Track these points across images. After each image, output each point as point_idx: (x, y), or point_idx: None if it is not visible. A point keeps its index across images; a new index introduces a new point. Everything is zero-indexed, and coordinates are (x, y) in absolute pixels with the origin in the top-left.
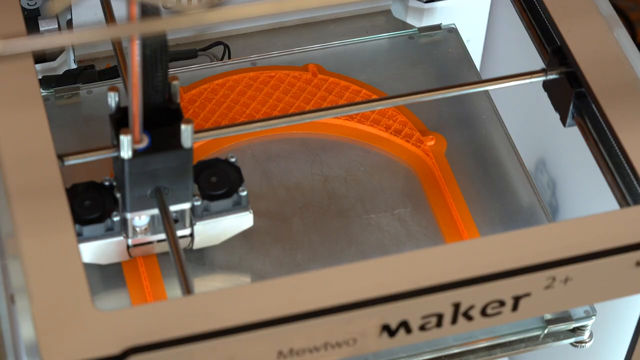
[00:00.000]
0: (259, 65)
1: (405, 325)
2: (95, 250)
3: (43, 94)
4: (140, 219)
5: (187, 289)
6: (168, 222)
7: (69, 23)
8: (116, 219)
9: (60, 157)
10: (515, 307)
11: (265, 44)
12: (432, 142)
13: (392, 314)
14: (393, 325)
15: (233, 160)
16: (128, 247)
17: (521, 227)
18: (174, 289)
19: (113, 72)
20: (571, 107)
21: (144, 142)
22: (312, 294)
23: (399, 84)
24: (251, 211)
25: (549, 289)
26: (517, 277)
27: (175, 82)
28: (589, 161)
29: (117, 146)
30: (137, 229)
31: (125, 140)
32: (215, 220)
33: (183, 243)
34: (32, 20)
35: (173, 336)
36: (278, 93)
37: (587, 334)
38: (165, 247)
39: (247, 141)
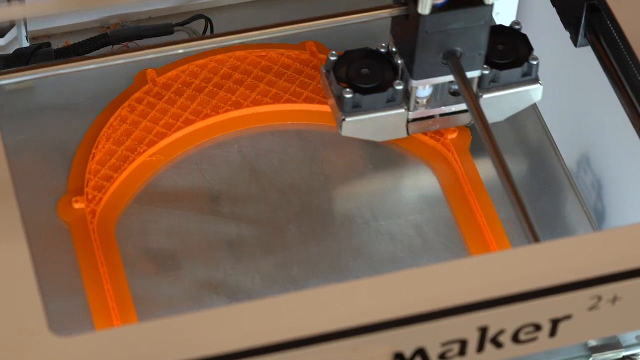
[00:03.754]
0: (248, 43)
1: (421, 354)
2: (374, 123)
3: None
4: (424, 89)
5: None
6: (468, 91)
7: None
8: (399, 87)
9: None
10: (553, 332)
11: (255, 18)
12: (453, 135)
13: (406, 340)
14: (407, 353)
15: (518, 27)
16: (407, 121)
17: (560, 236)
18: (145, 310)
19: (72, 51)
20: (583, 23)
21: None
22: (310, 316)
23: None
24: (541, 83)
25: (594, 310)
26: (555, 296)
27: None
28: None
29: (403, 3)
30: (418, 101)
31: None
32: (503, 92)
33: (463, 119)
34: None
35: None
36: (270, 76)
37: None
38: (446, 122)
39: (232, 134)
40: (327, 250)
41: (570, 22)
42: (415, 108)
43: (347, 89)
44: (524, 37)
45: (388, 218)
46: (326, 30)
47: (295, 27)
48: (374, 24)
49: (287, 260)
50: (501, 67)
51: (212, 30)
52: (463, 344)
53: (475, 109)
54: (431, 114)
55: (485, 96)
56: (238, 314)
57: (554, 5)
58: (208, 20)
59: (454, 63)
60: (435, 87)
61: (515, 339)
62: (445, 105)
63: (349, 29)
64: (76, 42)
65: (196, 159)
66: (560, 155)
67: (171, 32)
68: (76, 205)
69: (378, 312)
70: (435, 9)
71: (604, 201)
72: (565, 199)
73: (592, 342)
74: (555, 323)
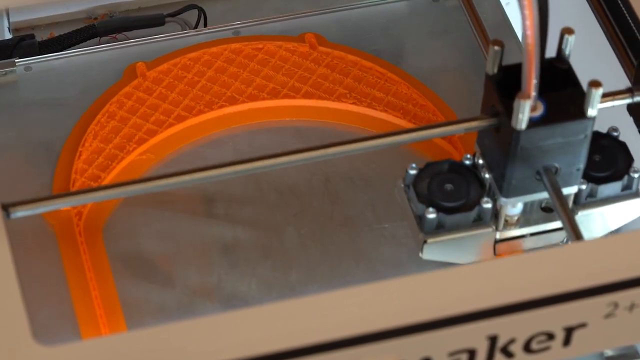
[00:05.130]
0: (243, 35)
1: None
2: (458, 245)
3: None
4: (514, 207)
5: None
6: (564, 208)
7: None
8: (487, 206)
9: (5, 208)
10: (567, 341)
11: (251, 8)
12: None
13: (411, 350)
14: None
15: (616, 134)
16: (495, 241)
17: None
18: (135, 318)
19: (57, 43)
20: None
21: (539, 110)
22: (309, 323)
23: (419, 59)
24: None
25: (610, 317)
26: (569, 303)
27: (569, 36)
28: None
29: (495, 115)
30: (507, 220)
31: (523, 106)
32: (602, 208)
33: (556, 237)
34: None
35: None
36: (267, 70)
37: None
38: (538, 241)
39: (227, 131)
40: (327, 255)
41: None
42: (504, 227)
43: (430, 209)
44: (623, 146)
45: (392, 221)
46: (326, 22)
47: (293, 18)
48: (375, 16)
49: (285, 265)
50: (599, 180)
51: (205, 22)
52: (472, 353)
53: (572, 227)
54: (521, 233)
55: (581, 213)
56: (233, 321)
57: (631, 115)
58: (201, 10)
59: (549, 179)
60: (526, 204)
61: (527, 348)
62: (536, 223)
63: (349, 20)
64: (61, 33)
65: (189, 158)
66: None
67: (162, 23)
68: (62, 208)
69: (382, 320)
70: (531, 122)
71: None
72: None
73: (608, 352)
74: (569, 332)
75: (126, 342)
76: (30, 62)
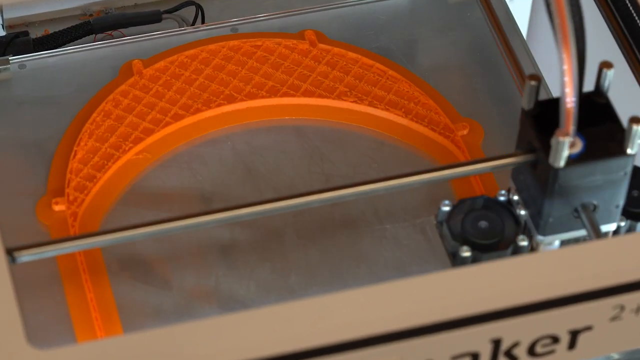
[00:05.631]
0: (241, 32)
1: None
2: None
3: None
4: (551, 245)
5: None
6: None
7: None
8: (523, 244)
9: (10, 253)
10: (572, 345)
11: (249, 5)
12: (465, 131)
13: (413, 353)
14: None
15: None
16: None
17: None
18: (131, 321)
19: (52, 40)
20: None
21: (578, 147)
22: (309, 327)
23: (422, 57)
24: None
25: (616, 320)
26: (574, 306)
27: (608, 70)
28: None
29: (531, 151)
30: None
31: (562, 145)
32: None
33: None
34: None
35: None
36: (266, 68)
37: None
38: None
39: (225, 130)
40: (327, 256)
41: None
42: None
43: (465, 247)
44: None
45: (394, 221)
46: (326, 18)
47: (293, 14)
48: (377, 13)
49: (284, 267)
50: (638, 217)
51: (203, 18)
52: (475, 357)
53: None
54: None
55: None
56: (231, 325)
57: None
58: (199, 7)
59: (587, 217)
60: (562, 242)
61: (531, 352)
62: None
63: (350, 17)
64: (56, 30)
65: (186, 157)
66: None
67: (159, 20)
68: (56, 207)
69: (383, 322)
70: (570, 160)
71: None
72: None
73: (615, 356)
74: (574, 335)
75: (122, 346)
76: (24, 59)
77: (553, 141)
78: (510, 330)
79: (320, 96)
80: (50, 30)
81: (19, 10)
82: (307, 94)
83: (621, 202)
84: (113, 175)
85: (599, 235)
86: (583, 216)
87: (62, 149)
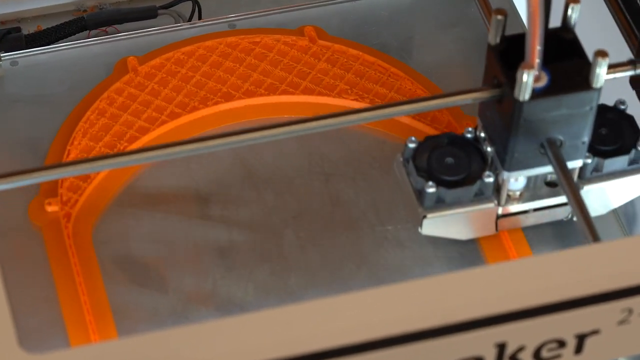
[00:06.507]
0: (239, 28)
1: None
2: (459, 220)
3: None
4: (517, 181)
5: None
6: (569, 183)
7: None
8: (488, 180)
9: None
10: (579, 349)
11: (248, 0)
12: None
13: (415, 357)
14: None
15: (623, 107)
16: (497, 217)
17: (586, 242)
18: (125, 325)
19: (45, 36)
20: None
21: (543, 81)
22: (309, 330)
23: (423, 53)
24: None
25: (624, 324)
26: (581, 309)
27: (575, 4)
28: None
29: (497, 87)
30: (510, 194)
31: (526, 77)
32: (607, 183)
33: (560, 213)
34: None
35: None
36: (264, 65)
37: None
38: (541, 217)
39: (223, 128)
40: (327, 258)
41: None
42: (507, 202)
43: (430, 183)
44: (630, 119)
45: (395, 223)
46: (326, 14)
47: (292, 10)
48: (378, 9)
49: (283, 269)
50: (605, 154)
51: (200, 14)
52: None
53: (577, 202)
54: (524, 208)
55: (586, 187)
56: (229, 328)
57: (634, 89)
58: (196, 2)
59: (553, 153)
60: (529, 178)
61: (537, 356)
62: (540, 198)
63: (351, 12)
64: (49, 27)
65: (183, 157)
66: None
67: (155, 16)
68: (49, 208)
69: (385, 326)
70: (535, 93)
71: (635, 204)
72: None
73: None
74: (581, 339)
75: (117, 350)
76: (16, 56)
77: (518, 74)
78: (515, 334)
79: (320, 94)
80: (43, 27)
81: (11, 6)
82: (307, 91)
83: (587, 138)
84: (107, 175)
85: (564, 171)
86: (549, 152)
87: (55, 148)
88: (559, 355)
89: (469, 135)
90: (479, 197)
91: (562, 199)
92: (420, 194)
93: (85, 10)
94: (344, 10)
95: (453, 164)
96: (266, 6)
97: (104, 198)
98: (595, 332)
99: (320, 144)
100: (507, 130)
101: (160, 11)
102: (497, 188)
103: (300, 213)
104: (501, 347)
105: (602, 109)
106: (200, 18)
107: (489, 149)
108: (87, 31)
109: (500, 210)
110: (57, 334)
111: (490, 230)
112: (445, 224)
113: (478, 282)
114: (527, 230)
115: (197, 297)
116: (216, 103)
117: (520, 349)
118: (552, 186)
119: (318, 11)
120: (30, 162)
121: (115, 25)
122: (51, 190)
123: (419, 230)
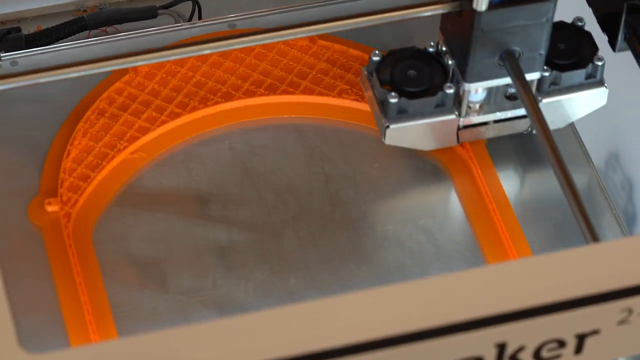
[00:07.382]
0: (240, 29)
1: None
2: (421, 131)
3: None
4: (477, 93)
5: (592, 236)
6: (527, 94)
7: None
8: (449, 91)
9: None
10: (579, 349)
11: (248, 0)
12: None
13: (415, 357)
14: None
15: (581, 24)
16: (458, 128)
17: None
18: (125, 324)
19: (45, 36)
20: (622, 25)
21: None
22: (308, 330)
23: None
24: (607, 87)
25: (624, 324)
26: (581, 309)
27: None
28: None
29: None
30: (471, 106)
31: None
32: (565, 96)
33: (520, 126)
34: None
35: None
36: (264, 65)
37: None
38: (501, 129)
39: (223, 129)
40: (327, 258)
41: (607, 24)
42: (468, 114)
43: (392, 93)
44: (588, 35)
45: (396, 222)
46: (326, 14)
47: (293, 10)
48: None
49: (283, 269)
50: (563, 68)
51: (200, 14)
52: None
53: (535, 115)
54: (485, 120)
55: (545, 100)
56: (228, 328)
57: (590, 6)
58: (195, 2)
59: (511, 64)
60: (490, 91)
61: (537, 356)
62: (500, 110)
63: (351, 12)
64: (49, 26)
65: (182, 156)
66: (588, 153)
67: (155, 16)
68: (49, 208)
69: (385, 326)
70: (492, 4)
71: (636, 203)
72: (593, 200)
73: None
74: (581, 339)
75: (116, 350)
76: (16, 56)
77: None
78: (515, 334)
79: (320, 94)
80: (43, 27)
81: (11, 6)
82: (307, 91)
83: (544, 50)
84: (108, 175)
85: (522, 82)
86: (507, 63)
87: (55, 148)
88: (559, 355)
89: (431, 50)
90: (441, 108)
91: (522, 111)
92: (383, 104)
93: (85, 10)
94: (344, 11)
95: (415, 76)
96: (266, 6)
97: (104, 198)
98: (595, 332)
99: (320, 144)
100: (466, 42)
101: (160, 11)
102: (459, 100)
103: (300, 213)
104: (501, 347)
105: (561, 26)
106: (200, 18)
107: (450, 61)
108: (87, 31)
109: (461, 122)
110: (57, 334)
111: (452, 142)
112: (407, 135)
113: (478, 282)
114: (527, 230)
115: (197, 297)
116: (216, 103)
117: (520, 349)
118: (511, 99)
119: (319, 11)
120: (30, 161)
121: (115, 25)
122: (51, 190)
123: (382, 140)
